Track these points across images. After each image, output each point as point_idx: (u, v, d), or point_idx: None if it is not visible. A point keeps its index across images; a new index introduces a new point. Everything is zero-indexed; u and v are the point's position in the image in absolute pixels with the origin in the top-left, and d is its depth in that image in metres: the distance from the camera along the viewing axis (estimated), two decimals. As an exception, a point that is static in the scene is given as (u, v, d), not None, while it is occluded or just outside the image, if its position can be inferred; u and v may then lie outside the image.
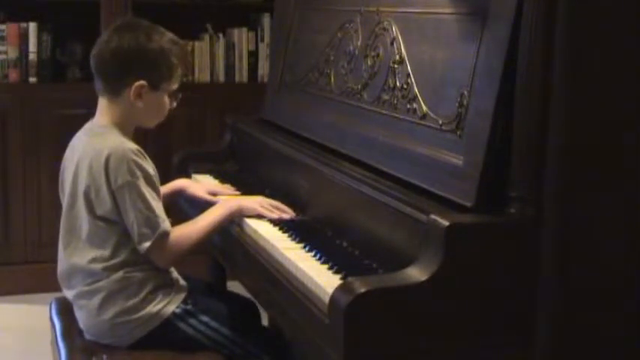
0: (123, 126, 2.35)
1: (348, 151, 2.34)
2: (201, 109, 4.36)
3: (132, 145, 2.29)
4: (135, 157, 2.25)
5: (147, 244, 2.25)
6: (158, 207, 2.27)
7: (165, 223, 2.28)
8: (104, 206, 2.25)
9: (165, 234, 2.27)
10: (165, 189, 2.70)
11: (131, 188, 2.23)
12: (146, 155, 2.32)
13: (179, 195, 2.74)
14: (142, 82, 2.32)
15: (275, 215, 2.39)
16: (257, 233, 2.30)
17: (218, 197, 2.63)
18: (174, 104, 2.43)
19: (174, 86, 2.40)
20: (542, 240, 1.76)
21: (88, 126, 2.40)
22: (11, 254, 4.20)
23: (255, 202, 2.44)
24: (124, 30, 2.35)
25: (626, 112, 1.80)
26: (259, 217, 2.41)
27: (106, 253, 2.28)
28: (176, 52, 2.38)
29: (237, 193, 2.69)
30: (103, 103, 2.38)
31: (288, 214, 2.42)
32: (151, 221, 2.25)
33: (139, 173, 2.24)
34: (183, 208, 2.88)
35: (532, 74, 1.76)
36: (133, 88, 2.32)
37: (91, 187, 2.26)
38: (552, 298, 1.77)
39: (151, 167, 2.30)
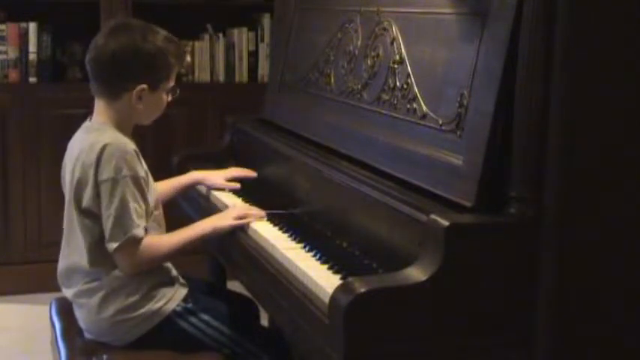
0: (121, 125, 2.35)
1: (348, 151, 2.34)
2: (201, 109, 4.36)
3: (128, 143, 2.29)
4: (127, 156, 2.24)
5: (114, 245, 2.23)
6: (137, 210, 2.24)
7: (138, 229, 2.24)
8: (88, 199, 2.25)
9: (135, 239, 2.24)
10: (182, 180, 2.75)
11: (114, 185, 2.22)
12: (141, 156, 2.31)
13: (197, 186, 2.78)
14: (143, 85, 2.32)
15: (252, 220, 2.37)
16: (257, 233, 2.30)
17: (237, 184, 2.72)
18: (170, 99, 2.43)
19: (172, 83, 2.40)
20: (542, 240, 1.76)
21: (85, 124, 2.39)
22: (11, 254, 4.20)
23: (228, 218, 2.40)
24: (119, 32, 2.34)
25: (627, 112, 1.80)
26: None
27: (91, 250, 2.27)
28: (173, 50, 2.37)
29: (254, 174, 2.72)
30: (100, 104, 2.37)
31: (261, 215, 2.41)
32: (124, 223, 2.22)
33: (126, 172, 2.23)
34: (183, 207, 2.89)
35: (532, 74, 1.76)
36: (135, 92, 2.31)
37: (81, 179, 2.26)
38: (552, 298, 1.77)
39: (142, 169, 2.30)
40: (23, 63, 4.18)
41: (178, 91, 2.44)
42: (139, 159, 2.29)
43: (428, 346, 1.74)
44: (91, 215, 2.26)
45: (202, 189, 2.80)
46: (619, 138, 1.80)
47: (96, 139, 2.28)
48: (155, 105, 2.39)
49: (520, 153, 1.78)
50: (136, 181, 2.26)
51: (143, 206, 2.27)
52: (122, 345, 2.31)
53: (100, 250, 2.27)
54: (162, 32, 2.38)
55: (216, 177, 2.75)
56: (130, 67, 2.32)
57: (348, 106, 2.47)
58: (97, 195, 2.24)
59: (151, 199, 2.34)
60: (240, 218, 2.38)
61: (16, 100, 4.16)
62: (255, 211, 2.41)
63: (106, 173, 2.23)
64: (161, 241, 2.33)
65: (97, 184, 2.24)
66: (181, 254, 2.36)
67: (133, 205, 2.23)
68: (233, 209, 2.47)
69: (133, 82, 2.31)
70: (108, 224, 2.23)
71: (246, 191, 2.71)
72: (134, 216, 2.23)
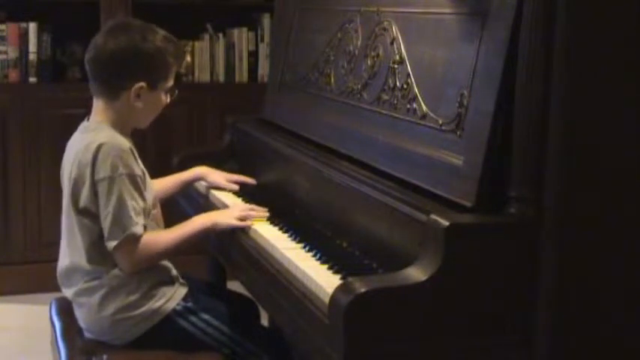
0: (119, 125, 2.34)
1: (348, 151, 2.34)
2: (201, 109, 4.37)
3: (123, 142, 2.29)
4: (122, 154, 2.25)
5: (113, 243, 2.23)
6: (135, 208, 2.24)
7: (137, 226, 2.24)
8: (85, 198, 2.25)
9: (134, 237, 2.24)
10: (185, 176, 2.76)
11: (110, 183, 2.22)
12: (136, 154, 2.32)
13: (196, 184, 2.80)
14: (141, 83, 2.32)
15: (249, 223, 2.36)
16: (257, 233, 2.30)
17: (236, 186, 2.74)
18: (169, 100, 2.43)
19: (170, 83, 2.40)
20: (542, 240, 1.76)
21: (83, 124, 2.39)
22: (11, 254, 4.20)
23: (229, 217, 2.40)
24: (118, 32, 2.34)
25: (626, 112, 1.80)
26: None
27: (91, 249, 2.27)
28: (171, 50, 2.37)
29: (254, 182, 2.75)
30: (99, 104, 2.37)
31: (262, 214, 2.41)
32: (122, 221, 2.22)
33: (122, 170, 2.23)
34: (181, 206, 2.89)
35: (532, 74, 1.76)
36: (133, 90, 2.32)
37: (78, 179, 2.27)
38: (552, 298, 1.77)
39: (138, 167, 2.30)
40: (23, 63, 4.19)
41: (177, 92, 2.44)
42: (134, 157, 2.30)
43: (428, 346, 1.74)
44: (88, 215, 2.27)
45: (202, 188, 2.80)
46: (619, 138, 1.80)
47: (92, 138, 2.28)
48: (153, 104, 2.39)
49: (520, 153, 1.78)
50: (133, 179, 2.26)
51: (141, 203, 2.27)
52: (122, 344, 2.32)
53: (99, 249, 2.27)
54: (162, 32, 2.38)
55: (218, 175, 2.77)
56: (129, 67, 2.32)
57: (348, 106, 2.47)
58: (94, 194, 2.25)
59: (149, 197, 2.34)
60: (242, 219, 2.38)
61: (16, 100, 4.16)
62: (256, 212, 2.41)
63: (102, 172, 2.23)
64: (160, 237, 2.33)
65: (94, 184, 2.24)
66: (180, 252, 2.36)
67: (130, 202, 2.23)
68: (235, 208, 2.47)
69: (132, 80, 2.32)
70: (106, 223, 2.23)
71: (246, 191, 2.71)
72: (132, 213, 2.23)
